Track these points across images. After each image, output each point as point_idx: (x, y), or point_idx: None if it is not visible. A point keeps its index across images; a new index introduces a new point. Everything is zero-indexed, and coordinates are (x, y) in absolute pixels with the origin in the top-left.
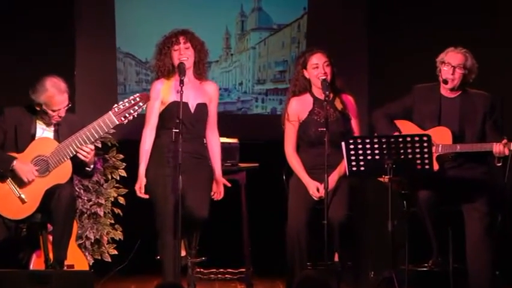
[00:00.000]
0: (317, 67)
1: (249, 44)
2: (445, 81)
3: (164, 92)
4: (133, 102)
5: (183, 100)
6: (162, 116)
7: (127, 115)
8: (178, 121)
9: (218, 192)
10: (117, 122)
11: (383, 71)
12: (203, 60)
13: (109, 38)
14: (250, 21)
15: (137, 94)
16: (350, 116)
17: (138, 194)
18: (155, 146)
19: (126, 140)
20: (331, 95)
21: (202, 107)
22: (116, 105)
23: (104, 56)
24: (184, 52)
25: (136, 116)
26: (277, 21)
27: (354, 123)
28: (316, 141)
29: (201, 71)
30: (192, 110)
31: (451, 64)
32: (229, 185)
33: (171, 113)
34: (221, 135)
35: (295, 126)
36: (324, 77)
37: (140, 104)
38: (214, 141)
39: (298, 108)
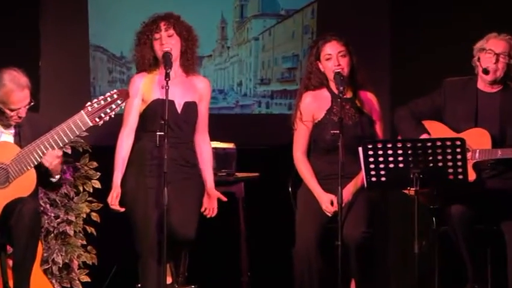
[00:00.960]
0: (330, 58)
1: (250, 34)
2: (486, 71)
3: (145, 88)
4: (109, 100)
5: (169, 98)
6: (143, 116)
7: (103, 115)
8: (162, 122)
9: (210, 208)
10: (90, 124)
11: (407, 64)
12: (192, 50)
13: (80, 24)
14: (251, 5)
15: (115, 90)
16: (373, 118)
17: (111, 206)
18: (134, 152)
19: (101, 145)
20: (349, 92)
21: (190, 106)
22: (89, 103)
23: (75, 45)
24: (166, 41)
25: (113, 116)
26: (285, 6)
27: (378, 127)
28: (332, 147)
29: (190, 63)
30: (179, 110)
31: (494, 51)
32: (224, 199)
33: (154, 113)
34: (215, 139)
35: (309, 127)
36: (338, 70)
37: (118, 102)
38: (205, 147)
39: (314, 105)
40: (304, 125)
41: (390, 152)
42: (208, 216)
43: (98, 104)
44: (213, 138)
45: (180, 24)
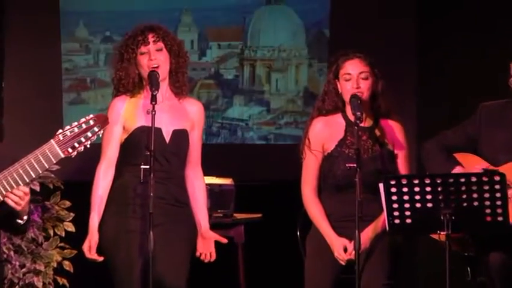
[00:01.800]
0: (350, 79)
1: None
2: None
3: (127, 114)
4: (84, 126)
5: (155, 125)
6: (125, 146)
7: (76, 145)
8: (147, 154)
9: (206, 253)
10: (62, 155)
11: (435, 90)
12: (182, 68)
13: (52, 25)
14: None
15: (91, 115)
16: (396, 151)
17: (87, 255)
18: (115, 189)
19: (75, 181)
20: (367, 121)
21: (181, 135)
22: (60, 131)
23: (45, 65)
24: (155, 56)
25: (88, 146)
26: None
27: (401, 161)
28: (345, 183)
29: (181, 84)
30: (167, 139)
31: None
32: (223, 240)
33: (138, 143)
34: (209, 173)
35: (318, 158)
36: (355, 93)
37: (95, 129)
38: (198, 183)
39: (325, 133)
40: (314, 154)
41: (416, 189)
42: (206, 260)
43: (71, 132)
44: (207, 172)
45: (170, 38)
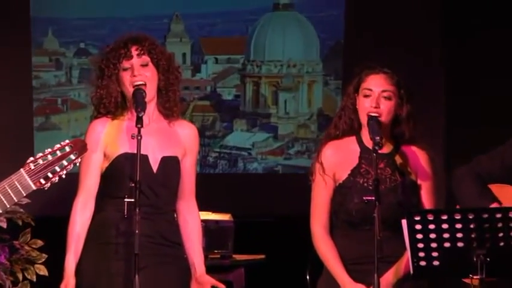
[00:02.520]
0: (369, 95)
1: None
2: None
3: (108, 139)
4: (59, 154)
5: (141, 152)
6: (106, 177)
7: (50, 175)
8: (132, 185)
9: None
10: (33, 187)
11: (466, 110)
12: (173, 86)
13: (21, 35)
14: None
15: (67, 141)
16: (420, 181)
17: None
18: (94, 226)
19: (48, 217)
20: (387, 146)
21: (170, 163)
22: (31, 159)
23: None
24: (139, 71)
25: (64, 176)
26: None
27: (426, 193)
28: (361, 219)
29: (171, 104)
30: (155, 168)
31: None
32: (221, 286)
33: (121, 173)
34: (205, 207)
35: (330, 187)
36: (373, 114)
37: (72, 157)
38: (192, 219)
39: (336, 160)
40: (325, 181)
41: (445, 226)
42: None
43: (44, 160)
44: (202, 206)
45: (158, 51)
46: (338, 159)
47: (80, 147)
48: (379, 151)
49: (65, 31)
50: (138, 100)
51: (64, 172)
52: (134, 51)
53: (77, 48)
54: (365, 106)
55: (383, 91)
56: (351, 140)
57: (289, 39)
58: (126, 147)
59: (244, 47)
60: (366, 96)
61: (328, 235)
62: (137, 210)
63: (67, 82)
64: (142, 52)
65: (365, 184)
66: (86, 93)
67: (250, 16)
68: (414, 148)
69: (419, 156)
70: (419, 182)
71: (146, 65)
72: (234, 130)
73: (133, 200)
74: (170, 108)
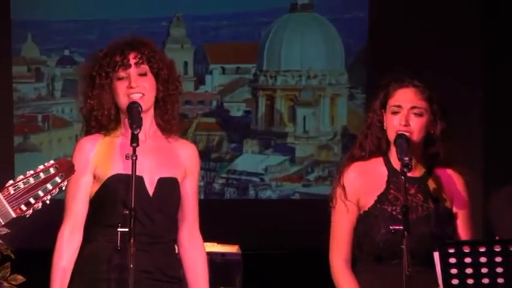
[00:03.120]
0: (398, 112)
1: None
2: None
3: (99, 158)
4: (43, 176)
5: (136, 173)
6: (96, 202)
7: (32, 201)
8: (126, 213)
9: None
10: (13, 215)
11: (507, 130)
12: (173, 99)
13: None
14: None
15: (52, 161)
16: (455, 209)
17: None
18: (83, 259)
19: (30, 249)
20: (418, 169)
21: (169, 185)
22: (11, 182)
23: None
24: (136, 82)
25: (48, 202)
26: None
27: (462, 222)
28: (388, 252)
29: (169, 118)
30: (151, 191)
31: None
32: None
33: (113, 198)
34: (209, 238)
35: (352, 215)
36: (402, 132)
37: (57, 180)
38: (195, 251)
39: (360, 185)
40: (347, 207)
41: (483, 259)
42: None
43: (25, 184)
44: (206, 237)
45: (158, 58)
46: (363, 183)
47: (67, 169)
48: (410, 174)
49: (46, 36)
50: (133, 116)
51: (48, 197)
52: (132, 60)
53: (61, 56)
54: (394, 124)
55: (413, 107)
56: (378, 162)
57: (308, 46)
58: (119, 167)
59: (256, 54)
60: (394, 113)
61: (349, 269)
62: (131, 240)
63: (48, 96)
64: (141, 61)
65: (394, 212)
66: (70, 108)
67: (263, 18)
68: (449, 171)
69: (455, 181)
70: (454, 210)
71: (145, 74)
72: (243, 152)
73: (127, 229)
74: (169, 121)
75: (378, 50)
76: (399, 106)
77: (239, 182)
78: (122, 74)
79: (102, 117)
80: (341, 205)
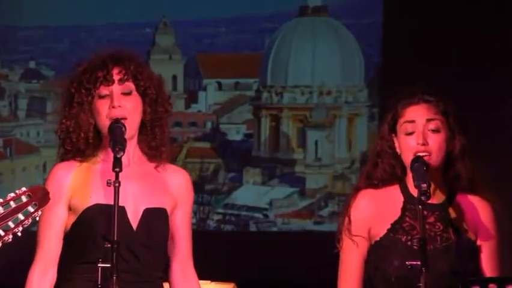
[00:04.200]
0: (413, 131)
1: None
2: None
3: (76, 186)
4: (13, 205)
5: (119, 203)
6: (72, 236)
7: (1, 233)
8: (107, 245)
9: None
10: None
11: None
12: (161, 121)
13: None
14: None
15: (24, 189)
16: (480, 241)
17: None
18: None
19: None
20: (438, 195)
21: (156, 217)
22: None
23: None
24: (119, 102)
25: (20, 234)
26: None
27: (487, 256)
28: (403, 286)
29: (158, 144)
30: (134, 224)
31: None
32: None
33: (91, 231)
34: (201, 275)
35: (362, 250)
36: (420, 152)
37: (30, 209)
38: None
39: (372, 213)
40: (355, 243)
41: None
42: None
43: None
44: (199, 274)
45: (145, 75)
46: (375, 210)
47: (41, 197)
48: (429, 201)
49: (8, 45)
50: (116, 137)
51: (20, 229)
52: (115, 75)
53: (25, 68)
54: (410, 145)
55: (429, 121)
56: (393, 189)
57: (321, 56)
58: (99, 197)
59: (259, 67)
60: (408, 134)
61: None
62: (114, 278)
63: (10, 116)
64: (126, 77)
65: (409, 243)
66: (37, 131)
67: (268, 24)
68: (474, 198)
69: (480, 209)
70: (479, 242)
71: (130, 93)
72: (244, 183)
73: (108, 265)
74: (157, 148)
75: (391, 61)
76: (412, 121)
77: (238, 219)
78: (104, 91)
79: (79, 140)
80: (348, 243)
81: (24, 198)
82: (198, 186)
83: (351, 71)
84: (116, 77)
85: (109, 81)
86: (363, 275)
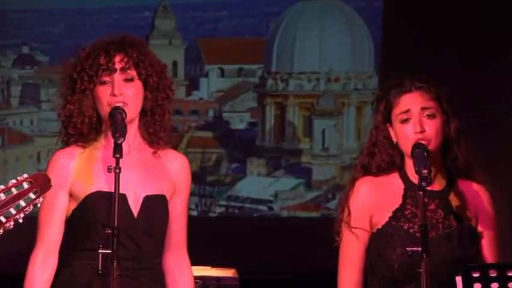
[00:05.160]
0: (409, 118)
1: None
2: None
3: (78, 173)
4: (15, 192)
5: (120, 191)
6: (73, 222)
7: (3, 219)
8: (108, 232)
9: None
10: None
11: None
12: (162, 107)
13: None
14: None
15: (25, 175)
16: (480, 227)
17: None
18: (58, 286)
19: None
20: (439, 181)
21: (156, 204)
22: None
23: None
24: (120, 89)
25: (21, 221)
26: None
27: (488, 243)
28: (404, 275)
29: (156, 130)
30: (135, 211)
31: None
32: None
33: (92, 217)
34: (202, 261)
35: (362, 240)
36: (419, 140)
37: (32, 195)
38: (182, 276)
39: (373, 201)
40: (355, 235)
41: None
42: None
43: None
44: (198, 260)
45: (148, 62)
46: (376, 198)
47: (42, 183)
48: (429, 188)
49: (0, 29)
50: (117, 123)
51: (22, 215)
52: (117, 64)
53: (18, 54)
54: (407, 134)
55: (424, 108)
56: (393, 176)
57: (328, 41)
58: (100, 183)
59: (263, 52)
60: (404, 121)
61: None
62: (114, 264)
63: (3, 104)
64: (128, 66)
65: (411, 230)
66: (31, 119)
67: (272, 7)
68: (473, 185)
69: (480, 195)
70: (479, 229)
71: (131, 80)
72: (247, 174)
73: (109, 251)
74: (156, 134)
75: (390, 47)
76: (407, 111)
77: (242, 211)
78: (105, 78)
79: (82, 125)
80: (348, 236)
81: (25, 185)
82: (199, 177)
83: (360, 56)
84: (118, 65)
85: (111, 70)
86: (363, 266)
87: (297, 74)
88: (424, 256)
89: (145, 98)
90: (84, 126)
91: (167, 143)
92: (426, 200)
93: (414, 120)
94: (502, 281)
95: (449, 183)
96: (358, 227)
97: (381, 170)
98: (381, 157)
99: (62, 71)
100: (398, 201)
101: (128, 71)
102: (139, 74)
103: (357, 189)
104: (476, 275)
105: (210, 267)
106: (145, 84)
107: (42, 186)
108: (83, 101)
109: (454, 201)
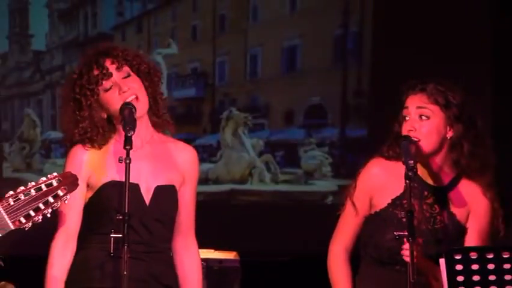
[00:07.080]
0: (407, 114)
1: None
2: None
3: (92, 166)
4: (45, 188)
5: (132, 180)
6: (89, 209)
7: (32, 213)
8: (120, 218)
9: None
10: (12, 227)
11: None
12: (159, 94)
13: None
14: None
15: (55, 174)
16: (470, 230)
17: None
18: (76, 267)
19: (21, 256)
20: (443, 175)
21: (166, 194)
22: (11, 193)
23: None
24: (126, 85)
25: (49, 215)
26: None
27: (472, 236)
28: (391, 258)
29: (162, 118)
30: (147, 199)
31: None
32: None
33: (106, 204)
34: (206, 244)
35: (361, 214)
36: (407, 135)
37: (60, 193)
38: (190, 259)
39: (379, 182)
40: (355, 209)
41: (491, 266)
42: None
43: (26, 195)
44: (202, 243)
45: (131, 55)
46: (383, 181)
47: (71, 182)
48: (432, 183)
49: None
50: (126, 117)
51: (50, 210)
52: (110, 67)
53: None
54: (403, 131)
55: (419, 108)
56: (402, 166)
57: None
58: (113, 174)
59: None
60: (405, 120)
61: (347, 260)
62: (125, 248)
63: None
64: (120, 64)
65: (404, 219)
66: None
67: None
68: (475, 186)
69: (479, 197)
70: (470, 231)
71: (128, 76)
72: None
73: (120, 235)
74: (161, 126)
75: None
76: (407, 110)
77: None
78: (107, 84)
79: (97, 136)
80: (349, 208)
81: (54, 182)
82: None
83: None
84: (111, 68)
85: (109, 75)
86: (356, 237)
87: None
88: (410, 239)
89: (146, 88)
90: (99, 136)
91: (171, 121)
92: (426, 193)
93: (410, 118)
94: (482, 262)
95: (453, 181)
96: (359, 202)
97: (394, 156)
98: (393, 149)
99: (61, 100)
100: (399, 190)
101: (122, 69)
102: (131, 66)
103: (368, 168)
104: (458, 257)
105: (213, 250)
106: (139, 75)
107: (70, 184)
108: (93, 115)
109: (452, 199)
